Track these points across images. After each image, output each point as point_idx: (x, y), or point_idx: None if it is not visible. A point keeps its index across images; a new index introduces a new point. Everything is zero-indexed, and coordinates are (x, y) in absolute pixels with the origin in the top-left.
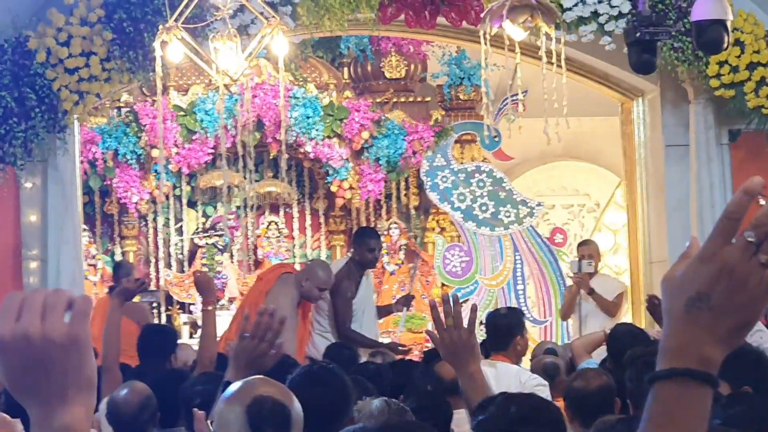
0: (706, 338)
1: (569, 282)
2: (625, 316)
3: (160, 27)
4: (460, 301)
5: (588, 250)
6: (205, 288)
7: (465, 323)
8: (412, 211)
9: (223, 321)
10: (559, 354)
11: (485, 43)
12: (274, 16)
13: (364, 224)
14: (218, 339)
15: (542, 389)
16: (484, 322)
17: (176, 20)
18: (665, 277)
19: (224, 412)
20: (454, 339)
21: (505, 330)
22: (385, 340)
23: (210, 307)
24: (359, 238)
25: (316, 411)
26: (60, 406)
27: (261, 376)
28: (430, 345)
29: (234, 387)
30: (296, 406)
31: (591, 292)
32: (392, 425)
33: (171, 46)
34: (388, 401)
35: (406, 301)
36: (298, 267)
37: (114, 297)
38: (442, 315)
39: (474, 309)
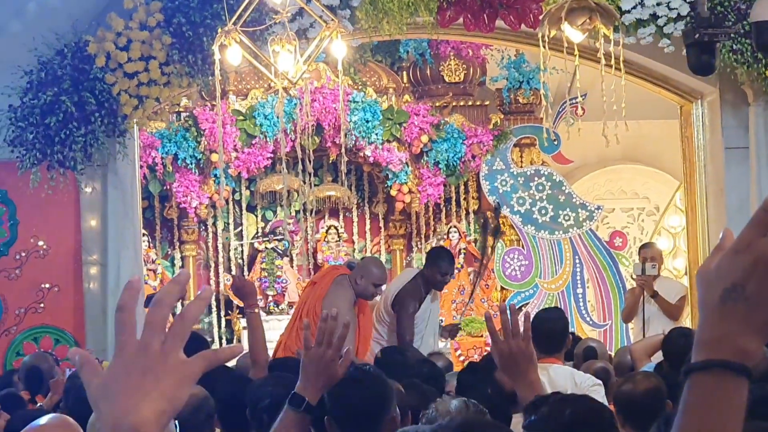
0: (741, 330)
1: (629, 285)
2: (687, 319)
3: (219, 30)
4: (518, 307)
5: (651, 252)
6: (246, 291)
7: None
8: (471, 216)
9: (283, 326)
10: (598, 352)
11: (544, 46)
12: (333, 20)
13: (423, 228)
14: (276, 343)
15: (598, 389)
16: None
17: (235, 24)
18: (700, 270)
19: None
20: (513, 349)
21: (560, 332)
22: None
23: (256, 310)
24: (434, 259)
25: (355, 412)
26: (135, 407)
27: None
28: (488, 349)
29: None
30: None
31: (654, 295)
32: (472, 423)
33: (230, 50)
34: (467, 401)
35: (452, 332)
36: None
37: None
38: (498, 325)
39: (527, 317)
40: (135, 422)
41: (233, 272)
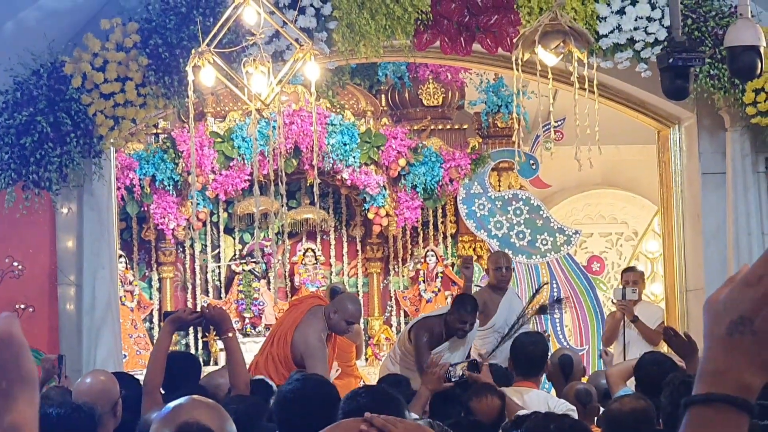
0: (746, 364)
1: (606, 310)
2: None
3: (193, 51)
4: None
5: (633, 276)
6: (219, 320)
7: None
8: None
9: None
10: (574, 360)
11: (518, 69)
12: (306, 42)
13: (400, 251)
14: (249, 364)
15: (572, 413)
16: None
17: (209, 45)
18: (708, 300)
19: None
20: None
21: (540, 357)
22: None
23: (231, 334)
24: (456, 305)
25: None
26: (5, 404)
27: (195, 398)
28: None
29: (166, 409)
30: (228, 429)
31: (635, 319)
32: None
33: (203, 71)
34: (432, 422)
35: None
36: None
37: (167, 324)
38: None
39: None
40: (15, 420)
41: (210, 294)
